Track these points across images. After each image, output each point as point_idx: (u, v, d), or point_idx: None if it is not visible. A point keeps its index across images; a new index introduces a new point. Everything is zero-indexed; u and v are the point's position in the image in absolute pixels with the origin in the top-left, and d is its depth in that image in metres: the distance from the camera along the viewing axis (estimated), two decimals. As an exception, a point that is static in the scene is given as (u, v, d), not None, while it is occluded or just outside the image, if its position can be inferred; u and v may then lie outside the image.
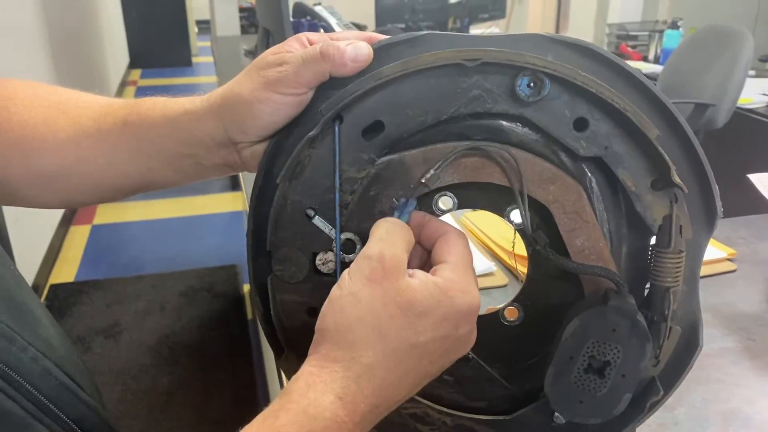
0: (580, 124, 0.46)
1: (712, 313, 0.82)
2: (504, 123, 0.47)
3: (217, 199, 3.77)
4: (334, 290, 0.41)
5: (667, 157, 0.45)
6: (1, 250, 0.49)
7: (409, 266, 0.42)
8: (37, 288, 2.67)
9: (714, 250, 1.02)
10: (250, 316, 2.66)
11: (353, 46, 0.45)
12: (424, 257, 0.47)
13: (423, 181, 0.46)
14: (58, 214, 3.18)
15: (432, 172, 0.46)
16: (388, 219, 0.44)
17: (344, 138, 0.46)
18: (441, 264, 0.42)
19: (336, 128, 0.46)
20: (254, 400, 2.15)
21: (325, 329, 0.40)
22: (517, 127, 0.47)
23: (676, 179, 0.45)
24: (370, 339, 0.38)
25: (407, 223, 0.45)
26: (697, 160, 0.46)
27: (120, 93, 5.71)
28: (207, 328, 2.56)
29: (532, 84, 0.45)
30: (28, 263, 2.62)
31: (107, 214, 3.55)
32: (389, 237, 0.42)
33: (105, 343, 2.43)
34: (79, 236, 3.32)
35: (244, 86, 0.47)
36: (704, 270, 0.96)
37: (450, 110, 0.46)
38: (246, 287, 2.84)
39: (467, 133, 0.47)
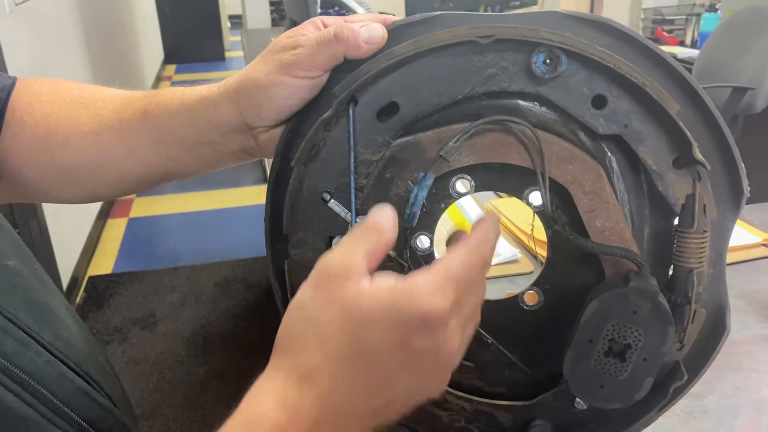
0: (599, 102, 0.45)
1: (746, 300, 0.79)
2: (521, 102, 0.46)
3: (249, 191, 3.80)
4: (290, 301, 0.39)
5: (688, 133, 0.43)
6: (25, 248, 0.49)
7: None
8: (76, 280, 2.73)
9: (749, 235, 0.99)
10: (282, 306, 2.68)
11: (367, 28, 0.45)
12: None
13: (442, 154, 0.45)
14: (95, 208, 3.25)
15: (451, 144, 0.45)
16: (362, 223, 0.39)
17: (359, 120, 0.46)
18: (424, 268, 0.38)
19: (350, 110, 0.46)
20: (287, 389, 2.16)
21: (276, 340, 0.39)
22: (534, 106, 0.46)
23: (699, 156, 0.44)
24: (311, 345, 0.37)
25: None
26: (722, 138, 0.45)
27: (155, 88, 5.76)
28: (241, 318, 2.58)
29: (548, 60, 0.44)
30: (67, 256, 2.68)
31: (143, 207, 3.61)
32: (350, 242, 0.38)
33: (141, 334, 2.48)
34: (116, 229, 3.39)
35: (259, 70, 0.47)
36: (739, 255, 0.95)
37: (465, 90, 0.45)
38: (279, 278, 2.86)
39: (483, 113, 0.46)
